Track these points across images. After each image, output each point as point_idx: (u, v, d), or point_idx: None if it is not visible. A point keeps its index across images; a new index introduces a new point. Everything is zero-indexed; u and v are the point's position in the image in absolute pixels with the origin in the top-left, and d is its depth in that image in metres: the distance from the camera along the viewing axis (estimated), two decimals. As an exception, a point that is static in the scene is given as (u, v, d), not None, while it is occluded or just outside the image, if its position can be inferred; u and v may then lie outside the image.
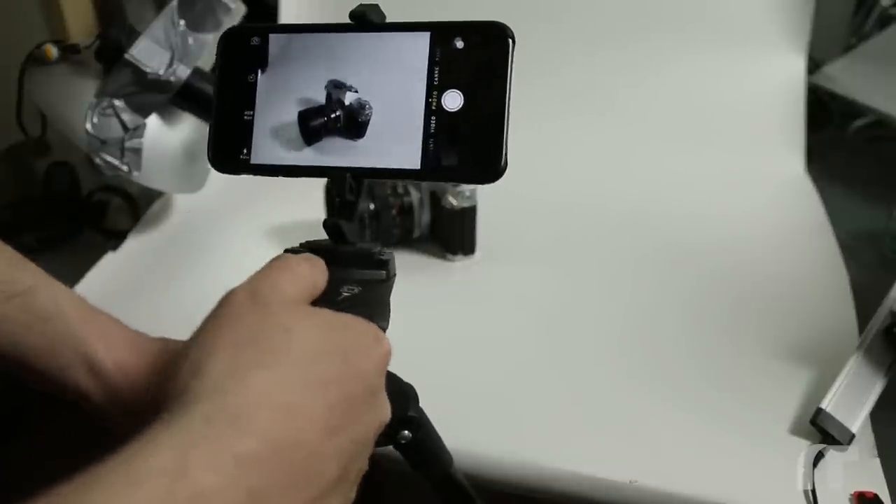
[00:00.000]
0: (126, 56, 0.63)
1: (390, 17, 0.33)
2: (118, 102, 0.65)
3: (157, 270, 0.72)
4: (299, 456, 0.25)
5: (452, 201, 0.69)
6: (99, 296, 0.68)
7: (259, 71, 0.33)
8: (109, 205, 0.82)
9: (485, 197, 0.70)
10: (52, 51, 0.67)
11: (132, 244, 0.76)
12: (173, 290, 0.69)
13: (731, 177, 0.89)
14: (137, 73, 0.63)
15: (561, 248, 0.76)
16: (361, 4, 0.32)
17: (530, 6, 0.96)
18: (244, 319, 0.27)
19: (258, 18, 0.86)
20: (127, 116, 0.65)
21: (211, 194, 0.83)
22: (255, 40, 0.33)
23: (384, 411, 0.30)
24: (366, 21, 0.32)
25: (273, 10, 0.97)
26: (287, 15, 0.98)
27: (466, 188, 0.69)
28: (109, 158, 0.65)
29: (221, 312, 0.28)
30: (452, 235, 0.72)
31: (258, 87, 0.33)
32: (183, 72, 0.64)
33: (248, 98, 0.33)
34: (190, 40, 0.66)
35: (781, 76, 0.96)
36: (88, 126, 0.64)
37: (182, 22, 0.66)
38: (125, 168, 0.66)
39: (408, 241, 0.73)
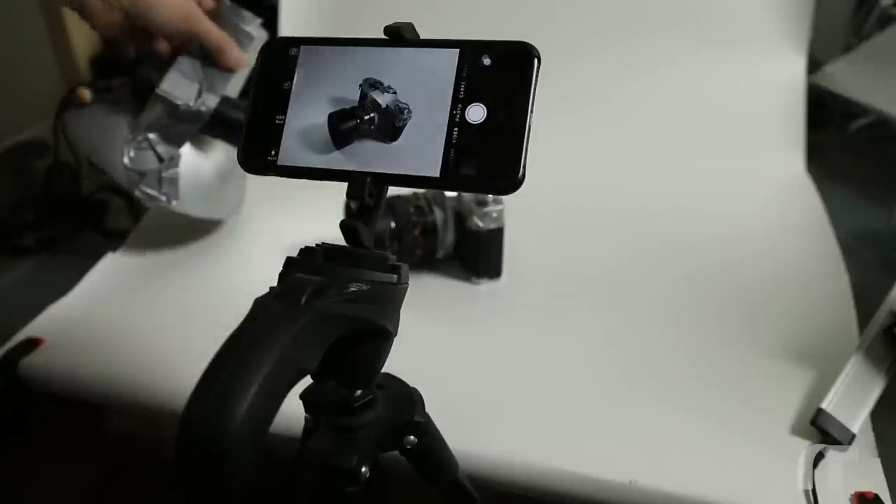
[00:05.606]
0: (157, 91, 0.65)
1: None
2: (152, 136, 0.67)
3: (157, 270, 0.72)
4: None
5: (478, 223, 0.66)
6: (99, 295, 0.68)
7: (294, 79, 0.34)
8: (109, 205, 0.82)
9: (510, 215, 0.68)
10: (86, 93, 0.69)
11: (132, 244, 0.76)
12: (173, 290, 0.69)
13: (732, 176, 0.89)
14: (169, 106, 0.65)
15: (570, 253, 0.76)
16: (396, 22, 0.33)
17: (531, 5, 0.96)
18: None
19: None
20: (161, 148, 0.67)
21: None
22: (294, 51, 0.35)
23: None
24: (400, 37, 0.33)
25: (273, 10, 0.97)
26: (287, 14, 0.98)
27: (493, 209, 0.66)
28: (149, 190, 0.67)
29: None
30: (478, 258, 0.69)
31: (292, 94, 0.34)
32: (212, 101, 0.66)
33: (281, 104, 0.34)
34: (215, 70, 0.67)
35: (781, 76, 0.96)
36: (126, 161, 0.66)
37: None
38: (164, 198, 0.67)
39: (430, 263, 0.70)
